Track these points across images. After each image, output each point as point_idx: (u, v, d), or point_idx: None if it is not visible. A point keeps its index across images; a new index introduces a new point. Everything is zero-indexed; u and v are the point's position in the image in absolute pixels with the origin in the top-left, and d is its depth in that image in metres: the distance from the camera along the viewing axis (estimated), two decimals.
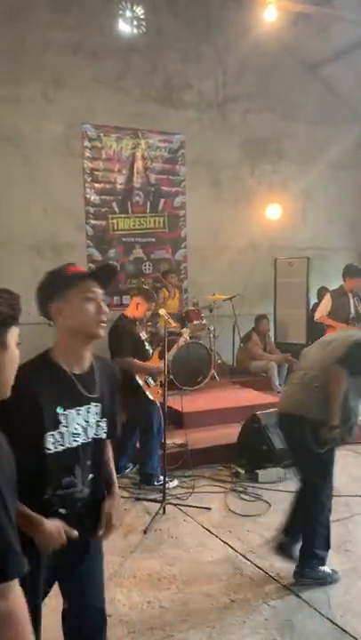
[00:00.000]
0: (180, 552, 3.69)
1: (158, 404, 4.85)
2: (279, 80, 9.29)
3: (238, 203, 9.25)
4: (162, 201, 8.48)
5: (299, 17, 8.35)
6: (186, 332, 5.82)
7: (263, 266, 9.25)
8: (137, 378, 4.80)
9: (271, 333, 8.68)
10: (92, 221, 8.05)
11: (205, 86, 8.83)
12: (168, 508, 4.30)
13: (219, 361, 8.22)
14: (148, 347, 5.09)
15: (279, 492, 4.65)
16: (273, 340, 8.67)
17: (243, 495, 4.60)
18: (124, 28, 8.20)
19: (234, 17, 8.27)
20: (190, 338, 7.29)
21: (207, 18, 8.61)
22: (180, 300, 8.11)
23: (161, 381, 4.96)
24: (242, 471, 5.03)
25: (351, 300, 6.32)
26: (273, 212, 9.44)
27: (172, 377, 6.85)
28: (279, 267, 8.86)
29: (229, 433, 5.56)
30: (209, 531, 4.00)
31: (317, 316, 6.57)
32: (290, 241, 9.59)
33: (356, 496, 4.59)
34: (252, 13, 7.68)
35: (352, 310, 6.31)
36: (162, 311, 4.86)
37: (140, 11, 8.24)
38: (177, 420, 5.94)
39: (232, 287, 8.26)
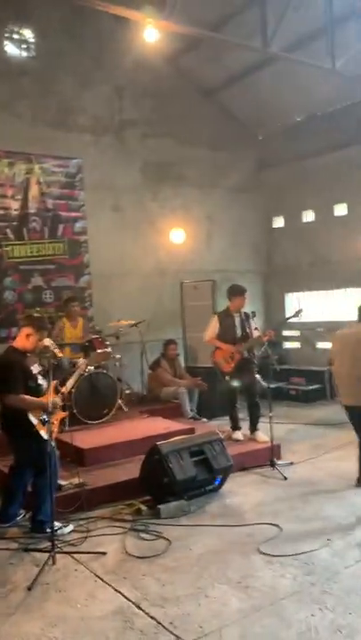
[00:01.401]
0: (65, 609, 3.31)
1: (53, 444, 4.47)
2: (177, 105, 9.34)
3: (142, 227, 9.12)
4: (61, 226, 8.16)
5: (193, 43, 8.46)
6: (82, 364, 5.49)
7: (171, 290, 9.13)
8: (30, 416, 4.38)
9: (181, 358, 8.51)
10: None
11: (101, 110, 8.70)
12: (59, 557, 3.91)
13: (127, 390, 7.92)
14: (41, 381, 4.68)
15: (181, 526, 4.39)
16: (183, 364, 8.50)
17: (142, 534, 4.28)
18: (13, 50, 7.96)
19: (127, 42, 8.21)
20: (95, 367, 6.98)
21: (100, 42, 8.53)
22: (85, 328, 7.76)
23: (58, 419, 4.60)
24: (144, 508, 4.71)
25: (237, 320, 6.33)
26: (177, 236, 9.40)
27: (74, 411, 6.50)
28: (185, 290, 8.76)
29: (133, 467, 5.23)
30: (102, 579, 3.64)
31: (206, 338, 6.56)
32: (196, 264, 9.56)
33: (257, 524, 4.38)
34: (143, 39, 7.66)
35: (238, 330, 6.31)
36: (47, 341, 4.52)
37: (28, 34, 8.04)
38: (77, 457, 5.57)
39: (140, 313, 8.05)
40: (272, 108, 9.73)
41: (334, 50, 7.27)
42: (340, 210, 9.42)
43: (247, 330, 6.33)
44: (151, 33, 6.21)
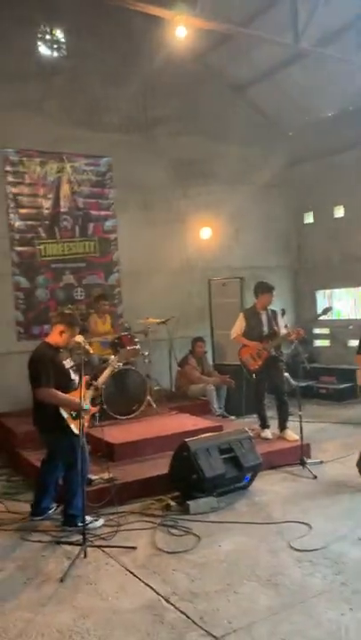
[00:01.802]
0: (96, 601, 3.37)
1: (84, 438, 4.53)
2: (206, 102, 9.33)
3: (171, 224, 9.15)
4: (91, 225, 8.26)
5: (222, 39, 8.43)
6: (113, 360, 5.55)
7: (199, 287, 9.14)
8: (61, 411, 4.46)
9: (209, 355, 8.52)
10: (18, 248, 7.74)
11: (130, 109, 8.75)
12: (90, 550, 3.97)
13: (156, 387, 7.97)
14: (73, 376, 4.75)
15: (210, 523, 4.41)
16: (211, 362, 8.51)
17: (172, 530, 4.32)
18: (45, 51, 8.07)
19: (156, 41, 8.24)
20: (124, 364, 7.04)
21: (130, 41, 8.57)
22: (114, 325, 7.84)
23: (90, 413, 4.67)
24: (173, 503, 4.75)
25: (264, 318, 6.27)
26: (206, 232, 9.39)
27: (105, 407, 6.58)
28: (213, 288, 8.76)
29: (163, 463, 5.28)
30: (132, 573, 3.69)
31: (232, 335, 6.54)
32: (224, 261, 9.54)
33: (286, 522, 4.37)
34: (173, 37, 7.67)
35: (265, 328, 6.26)
36: (79, 337, 4.58)
37: (60, 34, 8.14)
38: (108, 452, 5.64)
39: (168, 310, 8.09)
40: (302, 104, 9.63)
41: None
42: None
43: (275, 327, 6.28)
44: (182, 30, 6.21)
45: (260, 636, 2.93)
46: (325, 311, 6.32)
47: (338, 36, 7.63)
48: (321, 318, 6.68)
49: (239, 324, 6.48)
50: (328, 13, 7.07)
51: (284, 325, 6.40)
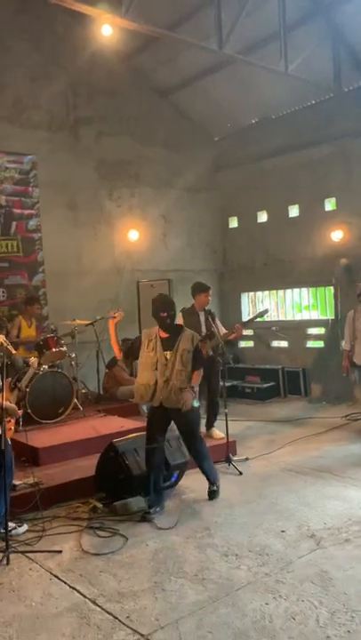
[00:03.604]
0: (19, 607, 3.26)
1: (9, 442, 4.38)
2: (132, 104, 9.35)
3: (98, 225, 9.07)
4: (14, 224, 8.02)
5: (148, 43, 8.48)
6: (33, 362, 5.40)
7: (127, 289, 9.11)
8: None
9: None
10: None
11: (56, 107, 8.61)
12: (13, 557, 3.84)
13: (83, 390, 7.85)
14: None
15: (138, 522, 4.39)
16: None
17: (98, 532, 4.26)
18: None
19: (82, 39, 8.16)
20: (50, 367, 6.88)
21: (54, 37, 8.44)
22: (38, 327, 7.65)
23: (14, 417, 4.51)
24: (100, 505, 4.69)
25: (202, 318, 6.31)
26: (134, 235, 9.39)
27: (29, 410, 6.39)
28: (142, 289, 8.76)
29: (89, 465, 5.19)
30: (57, 577, 3.60)
31: None
32: (152, 264, 9.58)
33: (213, 518, 4.43)
34: (99, 36, 7.63)
35: (203, 328, 6.30)
36: (1, 338, 4.44)
37: None
38: (32, 457, 5.48)
39: (96, 311, 7.98)
40: (227, 110, 9.87)
41: (287, 54, 7.44)
42: (293, 211, 9.63)
43: (212, 328, 6.28)
44: (107, 29, 6.19)
45: (188, 631, 2.95)
46: (262, 313, 6.45)
47: (262, 45, 7.89)
48: (257, 320, 6.75)
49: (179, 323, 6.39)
50: (252, 23, 7.29)
51: (220, 326, 6.40)
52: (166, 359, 4.64)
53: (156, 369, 4.66)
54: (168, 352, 4.66)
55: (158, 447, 4.72)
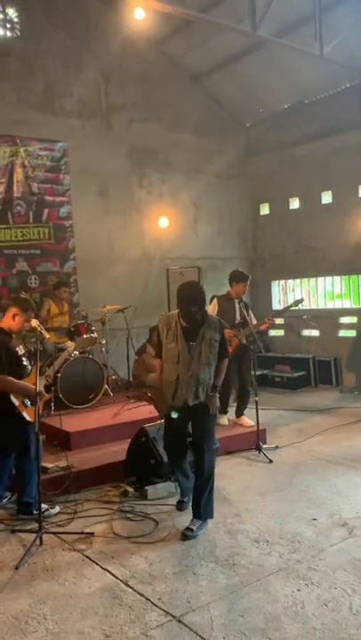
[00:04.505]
0: (53, 586, 3.31)
1: (37, 426, 4.43)
2: (163, 90, 9.28)
3: (128, 213, 9.07)
4: (46, 211, 8.07)
5: (180, 27, 8.40)
6: (70, 347, 5.46)
7: (157, 277, 9.12)
8: (12, 397, 4.35)
9: None
10: None
11: (87, 94, 8.60)
12: (46, 537, 3.90)
13: (113, 376, 7.91)
14: (25, 362, 4.63)
15: (168, 506, 4.41)
16: None
17: (129, 515, 4.29)
18: None
19: (113, 25, 8.14)
20: (80, 353, 6.95)
21: (86, 24, 8.42)
22: (71, 313, 7.72)
23: (43, 400, 4.56)
24: (130, 489, 4.72)
25: (237, 306, 6.27)
26: (164, 222, 9.36)
27: (60, 395, 6.48)
28: (171, 277, 8.75)
29: (120, 450, 5.24)
30: (89, 558, 3.65)
31: None
32: (182, 251, 9.55)
33: (244, 504, 4.42)
34: (131, 22, 7.59)
35: (238, 316, 6.26)
36: (34, 322, 4.47)
37: (13, 13, 7.90)
38: (64, 441, 5.56)
39: (126, 299, 8.03)
40: (259, 95, 9.71)
41: (322, 36, 7.27)
42: (326, 198, 9.46)
43: (246, 318, 6.24)
44: (140, 12, 6.14)
45: (219, 614, 2.95)
46: (297, 302, 6.39)
47: (296, 27, 7.72)
48: (292, 309, 6.67)
49: (212, 308, 6.34)
50: (286, 5, 7.13)
51: (252, 317, 6.37)
52: (190, 350, 3.98)
53: (178, 362, 3.97)
54: (192, 342, 3.98)
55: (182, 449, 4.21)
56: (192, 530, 3.89)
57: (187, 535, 3.86)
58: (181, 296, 3.95)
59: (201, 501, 3.99)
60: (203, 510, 3.99)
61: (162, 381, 4.09)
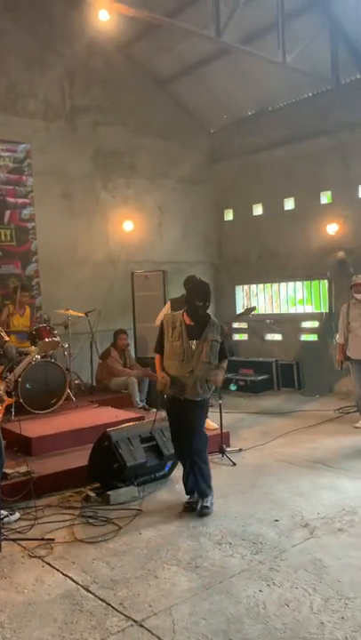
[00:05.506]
0: (12, 594, 3.23)
1: None
2: (129, 94, 9.27)
3: (92, 216, 9.00)
4: (8, 212, 7.91)
5: (146, 31, 8.40)
6: (33, 352, 5.37)
7: (122, 280, 9.06)
8: None
9: (131, 348, 8.46)
10: None
11: (52, 95, 8.51)
12: (5, 545, 3.80)
13: (76, 380, 7.81)
14: None
15: (131, 511, 4.36)
16: (134, 354, 8.45)
17: (91, 520, 4.23)
18: None
19: (78, 26, 8.07)
20: (42, 357, 6.83)
21: (51, 24, 8.34)
22: (32, 317, 7.58)
23: (3, 406, 4.47)
24: (93, 494, 4.66)
25: None
26: (129, 226, 9.33)
27: (21, 400, 6.34)
28: (136, 280, 8.70)
29: (82, 455, 5.16)
30: (50, 564, 3.58)
31: (157, 322, 6.48)
32: (147, 255, 9.54)
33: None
34: (96, 24, 7.54)
35: None
36: None
37: None
38: (24, 447, 5.45)
39: (90, 302, 7.96)
40: (224, 101, 9.81)
41: (285, 44, 7.39)
42: (289, 204, 9.60)
43: None
44: (104, 14, 6.12)
45: (181, 617, 2.93)
46: (249, 311, 6.43)
47: (260, 35, 7.84)
48: (252, 314, 6.74)
49: (164, 312, 6.39)
50: (250, 13, 7.23)
51: None
52: (192, 349, 4.27)
53: (183, 359, 4.27)
54: (194, 341, 4.28)
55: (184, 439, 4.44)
56: (207, 507, 4.27)
57: (205, 513, 4.23)
58: (190, 289, 4.44)
59: (200, 481, 4.35)
60: (206, 488, 4.37)
61: (173, 376, 4.34)
